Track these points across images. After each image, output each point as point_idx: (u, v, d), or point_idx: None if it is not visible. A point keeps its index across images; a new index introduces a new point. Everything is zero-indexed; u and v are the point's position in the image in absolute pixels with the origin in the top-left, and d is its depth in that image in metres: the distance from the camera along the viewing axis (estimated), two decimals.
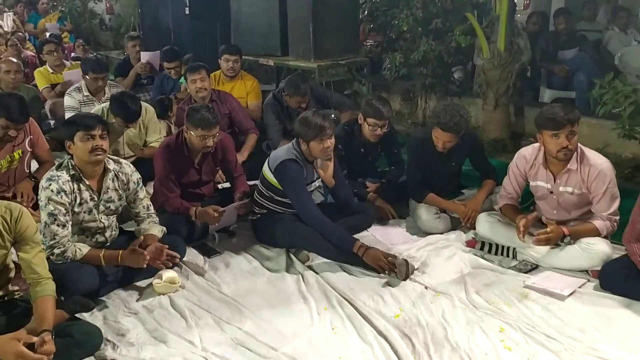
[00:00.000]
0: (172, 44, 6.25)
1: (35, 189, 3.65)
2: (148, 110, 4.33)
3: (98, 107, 4.26)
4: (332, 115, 3.42)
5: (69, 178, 2.78)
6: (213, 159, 3.61)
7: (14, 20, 9.36)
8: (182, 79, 5.42)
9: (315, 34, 5.03)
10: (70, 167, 2.81)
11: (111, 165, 2.93)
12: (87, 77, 4.86)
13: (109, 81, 5.05)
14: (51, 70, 5.98)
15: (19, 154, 3.66)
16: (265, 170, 3.33)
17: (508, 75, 5.23)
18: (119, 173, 2.96)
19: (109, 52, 10.72)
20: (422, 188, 3.57)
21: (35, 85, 6.45)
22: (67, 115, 4.85)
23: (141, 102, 4.17)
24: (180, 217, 3.39)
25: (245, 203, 3.45)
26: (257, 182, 3.44)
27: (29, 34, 9.38)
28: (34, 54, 7.85)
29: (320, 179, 3.42)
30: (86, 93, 4.89)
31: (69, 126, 2.83)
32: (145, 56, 5.90)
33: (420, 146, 3.58)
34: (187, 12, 6.33)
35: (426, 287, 2.86)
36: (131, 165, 3.04)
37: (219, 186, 3.93)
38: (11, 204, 2.40)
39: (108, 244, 3.01)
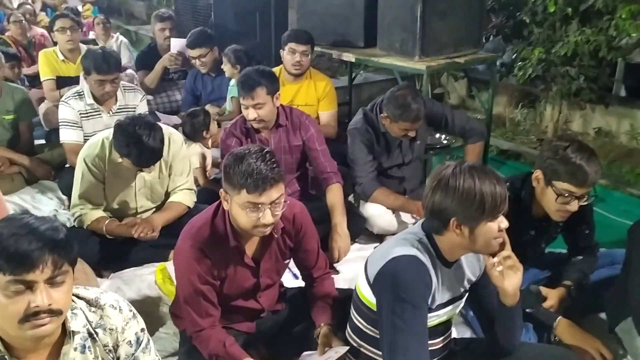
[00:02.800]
0: (211, 25, 4.64)
1: None
2: (172, 140, 2.77)
3: (96, 140, 2.68)
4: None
5: None
6: (279, 246, 2.03)
7: None
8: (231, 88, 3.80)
9: (424, 18, 3.31)
10: None
11: (77, 323, 1.38)
12: (90, 78, 3.31)
13: (123, 83, 3.50)
14: (62, 57, 4.30)
15: None
16: (361, 282, 1.75)
17: None
18: (97, 330, 1.42)
19: (140, 27, 9.23)
20: None
21: (36, 77, 4.96)
22: (62, 132, 3.34)
23: (163, 129, 2.61)
24: None
25: (343, 355, 1.84)
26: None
27: (45, 6, 7.92)
28: (44, 33, 6.34)
29: (462, 302, 1.81)
30: (90, 101, 3.34)
31: None
32: (175, 44, 4.31)
33: None
34: None
35: None
36: (124, 308, 1.47)
37: (285, 285, 2.33)
38: None
39: None
